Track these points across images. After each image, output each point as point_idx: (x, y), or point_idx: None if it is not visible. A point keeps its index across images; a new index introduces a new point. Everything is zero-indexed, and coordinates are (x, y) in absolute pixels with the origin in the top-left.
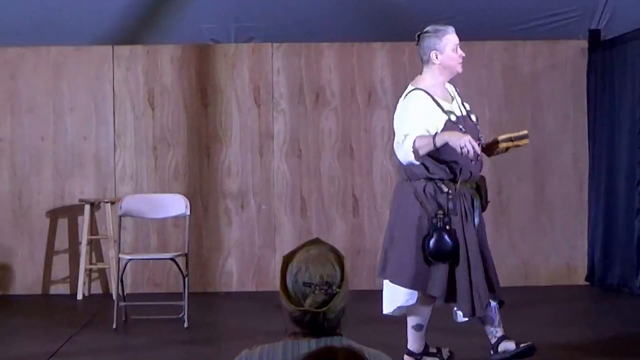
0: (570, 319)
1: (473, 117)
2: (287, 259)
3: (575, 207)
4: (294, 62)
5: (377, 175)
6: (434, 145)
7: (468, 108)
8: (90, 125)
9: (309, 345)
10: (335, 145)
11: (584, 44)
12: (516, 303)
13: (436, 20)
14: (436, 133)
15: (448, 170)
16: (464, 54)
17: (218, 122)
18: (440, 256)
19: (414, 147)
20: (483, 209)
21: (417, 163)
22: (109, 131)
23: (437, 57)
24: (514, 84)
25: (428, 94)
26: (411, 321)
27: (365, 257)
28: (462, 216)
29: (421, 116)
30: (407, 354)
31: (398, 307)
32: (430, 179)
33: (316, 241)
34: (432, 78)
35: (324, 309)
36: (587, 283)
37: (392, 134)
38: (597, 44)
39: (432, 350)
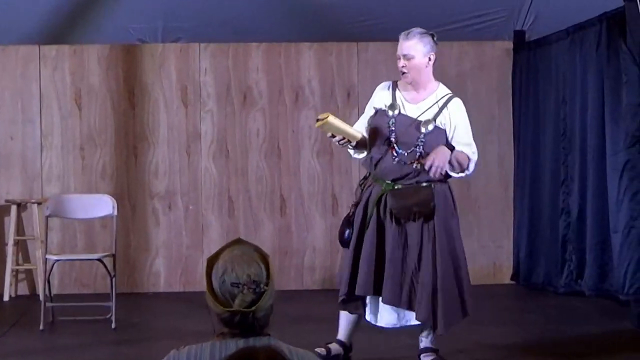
0: (495, 318)
1: (425, 127)
2: (212, 261)
3: (501, 206)
4: (221, 62)
5: (305, 176)
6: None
7: (432, 120)
8: (16, 125)
9: (237, 345)
10: (262, 145)
11: (509, 45)
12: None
13: (363, 21)
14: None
15: (368, 163)
16: (401, 65)
17: (145, 122)
18: (341, 244)
19: None
20: (394, 217)
21: (352, 153)
22: (36, 131)
23: None
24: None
25: (393, 85)
26: None
27: (292, 257)
28: (357, 211)
29: (367, 109)
30: None
31: None
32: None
33: (239, 241)
34: None
35: (253, 308)
36: (513, 282)
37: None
38: (521, 45)
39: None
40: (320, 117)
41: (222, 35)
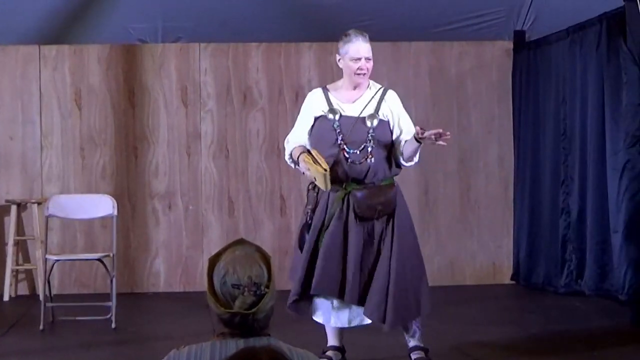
0: (495, 318)
1: (370, 122)
2: (213, 261)
3: (501, 206)
4: (221, 62)
5: (304, 176)
6: (296, 164)
7: (374, 114)
8: (16, 125)
9: (237, 345)
10: (262, 145)
11: (509, 44)
12: (442, 302)
13: (362, 20)
14: (299, 154)
15: None
16: (364, 68)
17: (145, 122)
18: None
19: (292, 154)
20: (358, 217)
21: (293, 167)
22: (36, 131)
23: (339, 61)
24: (440, 84)
25: (325, 90)
26: None
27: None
28: (317, 215)
29: (304, 119)
30: None
31: None
32: None
33: (241, 241)
34: (342, 79)
35: (253, 310)
36: (513, 282)
37: None
38: (522, 45)
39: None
40: (319, 160)
41: (222, 35)
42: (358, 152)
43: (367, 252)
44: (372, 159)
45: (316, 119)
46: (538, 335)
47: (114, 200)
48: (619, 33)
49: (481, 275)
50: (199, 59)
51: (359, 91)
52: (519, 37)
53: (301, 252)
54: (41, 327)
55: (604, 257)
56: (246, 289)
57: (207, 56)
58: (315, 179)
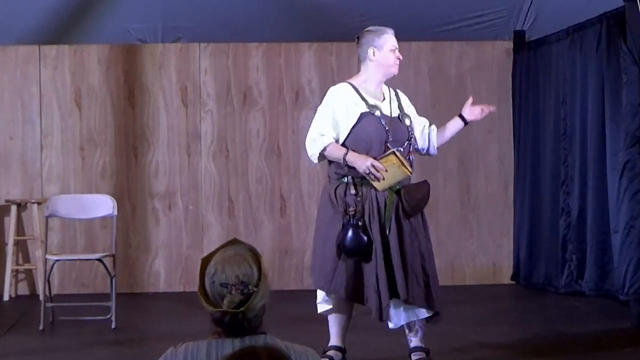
0: (495, 318)
1: (404, 120)
2: (205, 261)
3: (501, 206)
4: (221, 62)
5: (305, 175)
6: (344, 161)
7: (404, 112)
8: (16, 125)
9: (233, 344)
10: (262, 145)
11: (509, 44)
12: (443, 302)
13: (362, 20)
14: (347, 152)
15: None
16: (400, 57)
17: (145, 122)
18: (355, 252)
19: (323, 152)
20: (407, 214)
21: (316, 162)
22: (36, 131)
23: (374, 54)
24: (441, 84)
25: (353, 87)
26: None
27: (292, 257)
28: (369, 217)
29: (335, 114)
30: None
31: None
32: (343, 180)
33: (234, 242)
34: (365, 75)
35: (242, 308)
36: (513, 282)
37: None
38: (522, 45)
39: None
40: (405, 163)
41: (222, 35)
42: (402, 149)
43: (412, 248)
44: (413, 157)
45: (362, 114)
46: (538, 335)
47: (114, 200)
48: (619, 33)
49: (481, 275)
50: (199, 59)
51: (379, 91)
52: (519, 37)
53: (341, 252)
54: (41, 327)
55: (604, 257)
56: (234, 287)
57: (207, 56)
58: (380, 179)
